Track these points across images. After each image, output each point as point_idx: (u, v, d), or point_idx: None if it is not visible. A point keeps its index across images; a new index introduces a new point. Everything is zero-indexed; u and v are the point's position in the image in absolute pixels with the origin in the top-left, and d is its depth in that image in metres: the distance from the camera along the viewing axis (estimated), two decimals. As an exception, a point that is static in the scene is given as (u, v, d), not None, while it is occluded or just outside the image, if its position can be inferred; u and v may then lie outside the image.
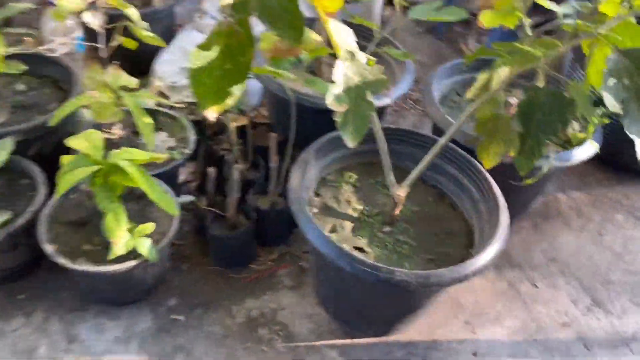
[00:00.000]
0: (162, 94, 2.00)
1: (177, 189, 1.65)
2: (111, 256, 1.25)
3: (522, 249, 1.79)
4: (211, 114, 0.84)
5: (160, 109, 1.75)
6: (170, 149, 1.65)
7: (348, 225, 1.41)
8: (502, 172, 1.35)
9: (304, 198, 1.34)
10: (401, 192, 1.36)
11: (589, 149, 1.59)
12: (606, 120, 1.59)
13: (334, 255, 1.21)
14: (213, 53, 0.81)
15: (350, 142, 0.95)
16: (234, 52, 0.81)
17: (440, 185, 1.55)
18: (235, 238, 1.58)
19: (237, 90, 0.84)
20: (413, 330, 1.51)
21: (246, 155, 1.78)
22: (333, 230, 1.39)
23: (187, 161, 1.65)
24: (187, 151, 1.63)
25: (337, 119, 0.93)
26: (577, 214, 1.94)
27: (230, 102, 0.84)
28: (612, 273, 1.75)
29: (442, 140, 1.29)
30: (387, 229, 1.42)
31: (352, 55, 0.92)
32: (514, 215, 1.42)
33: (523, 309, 1.62)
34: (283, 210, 1.60)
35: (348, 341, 1.47)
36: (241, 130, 1.75)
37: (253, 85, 1.98)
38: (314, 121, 1.52)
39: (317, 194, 1.47)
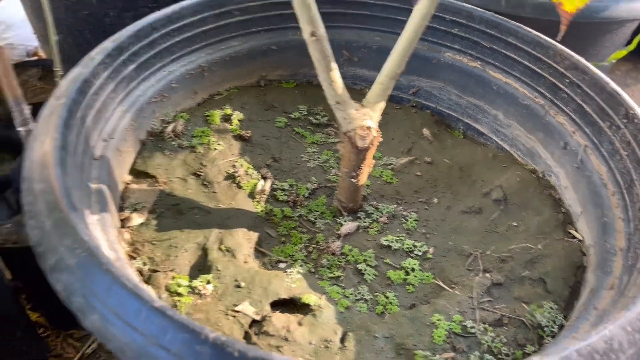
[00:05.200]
0: None
1: None
2: None
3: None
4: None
5: None
6: None
7: (244, 248, 0.51)
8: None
9: (81, 204, 0.41)
10: (369, 113, 0.48)
11: None
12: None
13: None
14: None
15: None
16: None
17: (443, 105, 0.67)
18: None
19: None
20: None
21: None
22: (205, 269, 0.48)
23: None
24: None
25: None
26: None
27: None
28: None
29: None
30: (345, 228, 0.54)
31: None
32: None
33: None
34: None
35: None
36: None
37: None
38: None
39: (135, 180, 0.55)
